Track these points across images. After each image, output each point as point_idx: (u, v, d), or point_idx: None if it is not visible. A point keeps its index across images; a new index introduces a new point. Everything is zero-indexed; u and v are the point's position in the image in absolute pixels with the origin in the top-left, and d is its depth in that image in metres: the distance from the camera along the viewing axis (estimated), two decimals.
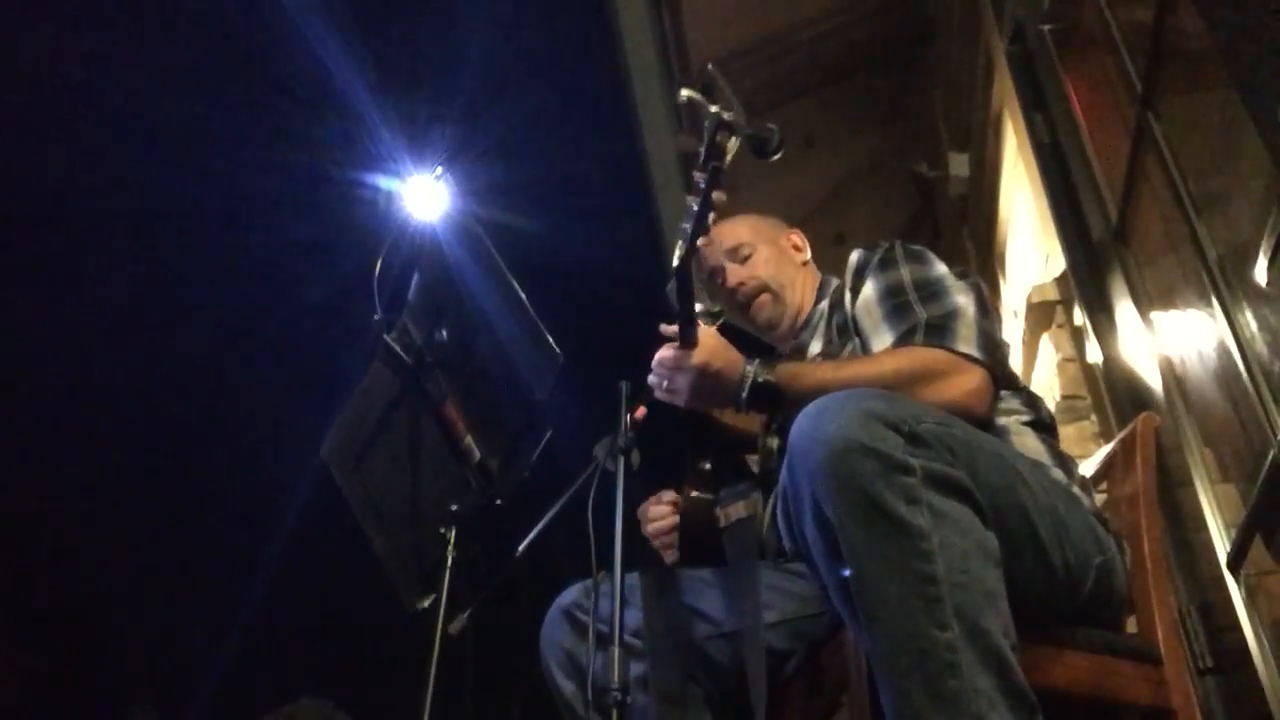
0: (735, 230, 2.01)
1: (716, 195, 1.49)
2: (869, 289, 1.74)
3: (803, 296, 1.98)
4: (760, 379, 1.58)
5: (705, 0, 4.58)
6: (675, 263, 1.55)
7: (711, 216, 1.52)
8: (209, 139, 4.77)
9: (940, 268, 1.74)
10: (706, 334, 1.62)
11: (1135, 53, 2.58)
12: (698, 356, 1.59)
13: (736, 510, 1.67)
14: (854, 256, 1.82)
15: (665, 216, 5.02)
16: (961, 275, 1.74)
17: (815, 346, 1.88)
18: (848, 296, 1.80)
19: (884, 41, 4.98)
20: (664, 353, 1.63)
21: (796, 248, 2.06)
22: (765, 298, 1.96)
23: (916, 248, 1.79)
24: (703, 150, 1.47)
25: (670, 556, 1.81)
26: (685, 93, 1.51)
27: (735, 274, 1.97)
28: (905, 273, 1.72)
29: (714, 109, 1.45)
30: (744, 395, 1.59)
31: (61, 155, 4.77)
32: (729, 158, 1.47)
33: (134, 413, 5.34)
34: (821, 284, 2.00)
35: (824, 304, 1.93)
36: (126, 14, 4.51)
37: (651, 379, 1.67)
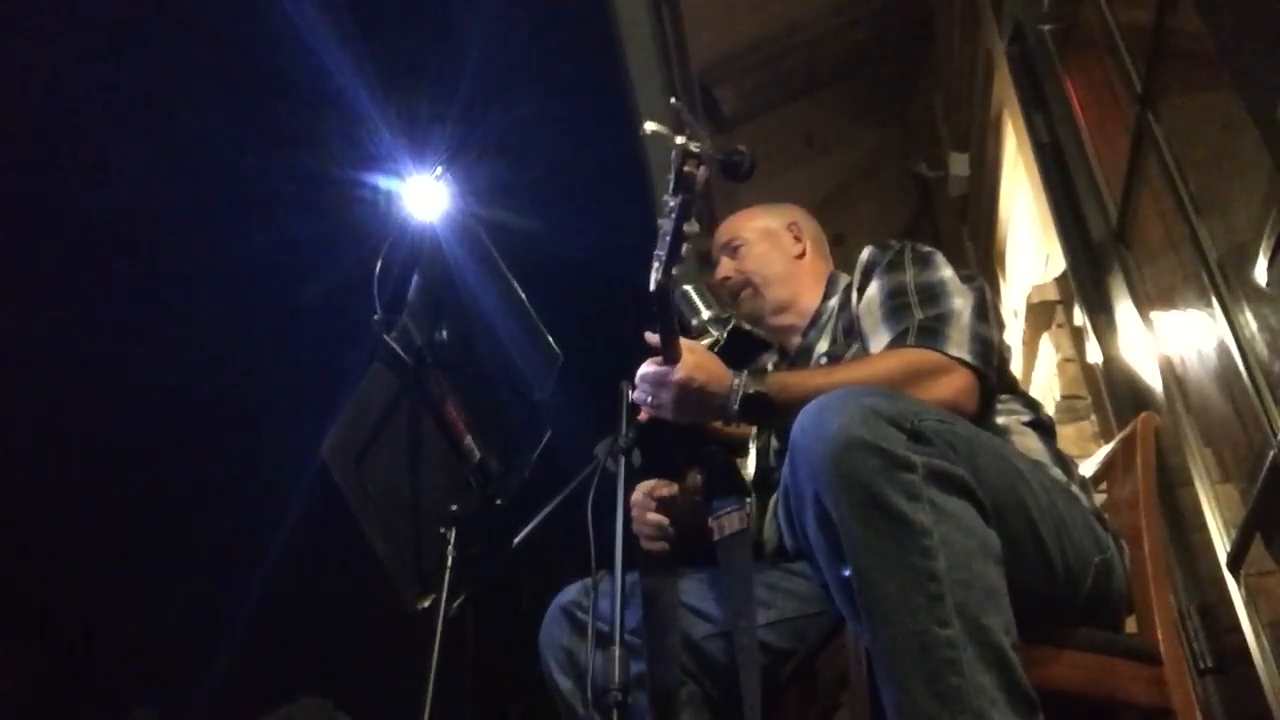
0: (733, 225, 2.07)
1: (688, 228, 1.47)
2: (873, 289, 1.75)
3: (795, 291, 1.98)
4: (750, 390, 1.57)
5: (705, 0, 4.58)
6: (652, 287, 1.53)
7: (685, 247, 1.49)
8: (209, 139, 4.77)
9: (945, 271, 1.73)
10: (689, 349, 1.60)
11: (1135, 53, 2.58)
12: (679, 372, 1.57)
13: (731, 523, 1.65)
14: (865, 254, 1.82)
15: None
16: (967, 279, 1.73)
17: (822, 345, 1.88)
18: (854, 296, 1.80)
19: (884, 41, 4.98)
20: (646, 368, 1.62)
21: (796, 239, 2.05)
22: (747, 292, 1.99)
23: (926, 250, 1.78)
24: (670, 180, 1.44)
25: (655, 546, 1.79)
26: (649, 127, 1.47)
27: (723, 268, 2.03)
28: (909, 276, 1.72)
29: (679, 140, 1.42)
30: (734, 408, 1.58)
31: (61, 155, 4.77)
32: (698, 187, 1.44)
33: (134, 411, 5.34)
34: (831, 279, 2.00)
35: (833, 302, 1.93)
36: (126, 15, 4.51)
37: (636, 395, 1.65)
